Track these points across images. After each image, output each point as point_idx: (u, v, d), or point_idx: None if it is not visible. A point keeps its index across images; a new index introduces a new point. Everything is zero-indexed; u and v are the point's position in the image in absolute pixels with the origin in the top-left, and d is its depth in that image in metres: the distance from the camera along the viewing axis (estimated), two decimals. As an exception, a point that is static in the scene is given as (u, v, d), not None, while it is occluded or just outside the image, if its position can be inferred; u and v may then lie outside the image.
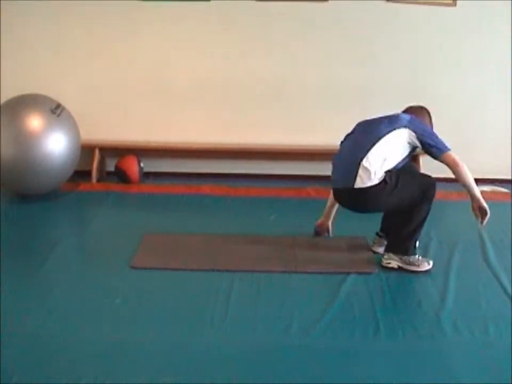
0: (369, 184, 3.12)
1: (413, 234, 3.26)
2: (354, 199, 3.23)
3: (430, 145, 3.20)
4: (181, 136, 5.13)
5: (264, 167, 5.26)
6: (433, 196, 3.22)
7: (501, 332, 2.68)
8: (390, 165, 3.18)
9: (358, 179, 3.13)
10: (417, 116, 3.33)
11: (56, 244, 3.61)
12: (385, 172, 3.16)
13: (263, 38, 5.05)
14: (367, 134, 3.23)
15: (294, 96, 5.12)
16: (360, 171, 3.12)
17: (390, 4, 4.93)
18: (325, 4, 4.92)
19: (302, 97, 5.12)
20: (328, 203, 3.62)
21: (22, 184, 4.31)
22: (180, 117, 5.17)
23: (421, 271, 3.27)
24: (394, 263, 3.30)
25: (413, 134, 3.19)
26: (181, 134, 5.15)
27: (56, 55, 5.05)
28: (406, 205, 3.20)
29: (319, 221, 3.71)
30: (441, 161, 3.22)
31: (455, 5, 4.91)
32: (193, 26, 5.02)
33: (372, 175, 3.12)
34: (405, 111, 3.41)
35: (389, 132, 3.18)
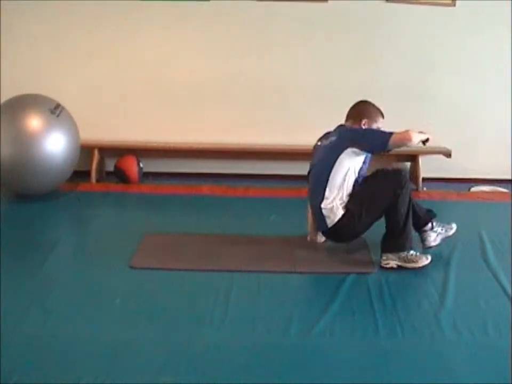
0: (338, 217, 3.31)
1: (404, 228, 3.28)
2: (337, 235, 3.45)
3: (373, 148, 3.36)
4: (181, 136, 5.13)
5: (264, 167, 5.26)
6: (405, 185, 3.26)
7: (501, 332, 2.68)
8: (349, 185, 3.34)
9: (327, 220, 3.35)
10: (363, 116, 3.46)
11: (56, 244, 3.61)
12: (348, 195, 3.32)
13: (263, 38, 5.05)
14: (319, 177, 3.39)
15: (293, 96, 5.13)
16: (324, 213, 3.35)
17: (390, 4, 4.93)
18: (325, 4, 4.92)
19: (302, 97, 5.12)
20: (309, 221, 3.65)
21: (22, 184, 4.31)
22: (180, 117, 5.17)
23: (420, 268, 3.27)
24: (392, 263, 3.30)
25: (355, 150, 3.31)
26: (181, 134, 5.14)
27: (56, 55, 5.05)
28: (385, 208, 3.27)
29: (309, 238, 3.68)
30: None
31: (455, 5, 4.92)
32: (193, 26, 5.03)
33: (335, 210, 3.31)
34: (350, 111, 3.56)
35: (334, 162, 3.32)
